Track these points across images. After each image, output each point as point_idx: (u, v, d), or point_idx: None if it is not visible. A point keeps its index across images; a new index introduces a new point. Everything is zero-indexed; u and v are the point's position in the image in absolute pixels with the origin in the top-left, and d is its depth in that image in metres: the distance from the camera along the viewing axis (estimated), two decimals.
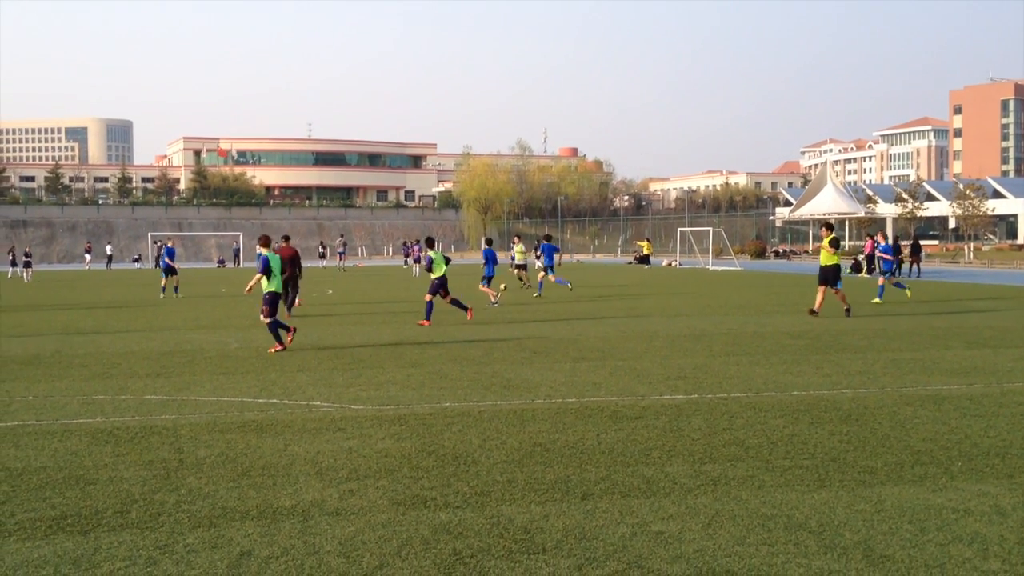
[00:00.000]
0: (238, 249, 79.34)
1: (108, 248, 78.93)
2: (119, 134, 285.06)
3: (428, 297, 21.22)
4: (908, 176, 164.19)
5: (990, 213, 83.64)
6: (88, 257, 78.25)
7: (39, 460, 8.49)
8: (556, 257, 33.81)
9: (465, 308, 21.52)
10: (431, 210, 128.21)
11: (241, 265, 75.89)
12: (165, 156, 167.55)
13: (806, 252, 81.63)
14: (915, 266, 44.59)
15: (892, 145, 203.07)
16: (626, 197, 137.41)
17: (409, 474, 7.88)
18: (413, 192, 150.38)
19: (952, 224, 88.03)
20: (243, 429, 9.76)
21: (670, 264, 64.26)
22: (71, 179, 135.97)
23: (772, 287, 35.94)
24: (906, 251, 44.22)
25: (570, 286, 32.54)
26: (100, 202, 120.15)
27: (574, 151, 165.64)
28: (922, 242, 77.39)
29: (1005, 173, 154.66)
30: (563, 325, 20.68)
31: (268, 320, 16.49)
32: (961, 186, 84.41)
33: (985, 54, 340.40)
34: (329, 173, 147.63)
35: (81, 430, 9.80)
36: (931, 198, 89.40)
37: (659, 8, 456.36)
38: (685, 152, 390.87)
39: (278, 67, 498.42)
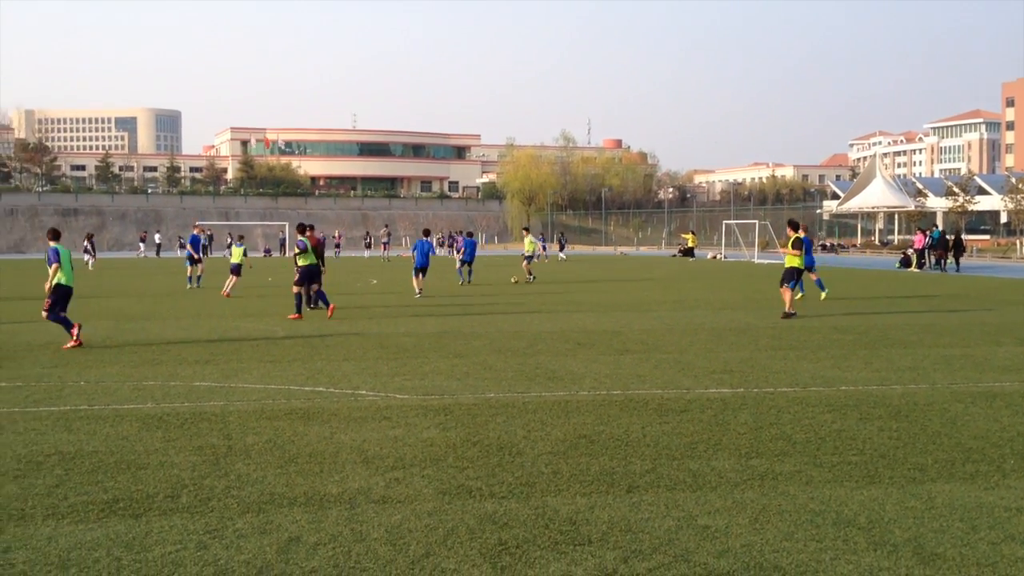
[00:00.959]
0: (284, 239, 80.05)
1: (157, 237, 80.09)
2: (168, 124, 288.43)
3: (295, 289, 20.45)
4: (959, 169, 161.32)
5: None
6: (142, 246, 79.15)
7: (91, 444, 8.63)
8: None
9: (328, 304, 20.62)
10: (475, 201, 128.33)
11: (287, 254, 76.51)
12: (213, 146, 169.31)
13: (854, 246, 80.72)
14: (952, 260, 43.77)
15: (943, 138, 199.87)
16: (670, 189, 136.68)
17: (454, 464, 7.92)
18: (457, 183, 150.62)
19: (1004, 219, 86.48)
20: (290, 416, 9.86)
21: (715, 257, 63.82)
22: (121, 168, 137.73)
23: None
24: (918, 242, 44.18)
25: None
26: (149, 191, 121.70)
27: (618, 143, 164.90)
28: (973, 237, 76.35)
29: None
30: (607, 317, 20.63)
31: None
32: (1013, 180, 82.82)
33: None
34: (374, 163, 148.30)
35: (132, 415, 9.95)
36: (982, 192, 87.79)
37: None
38: (731, 144, 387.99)
39: (324, 58, 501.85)
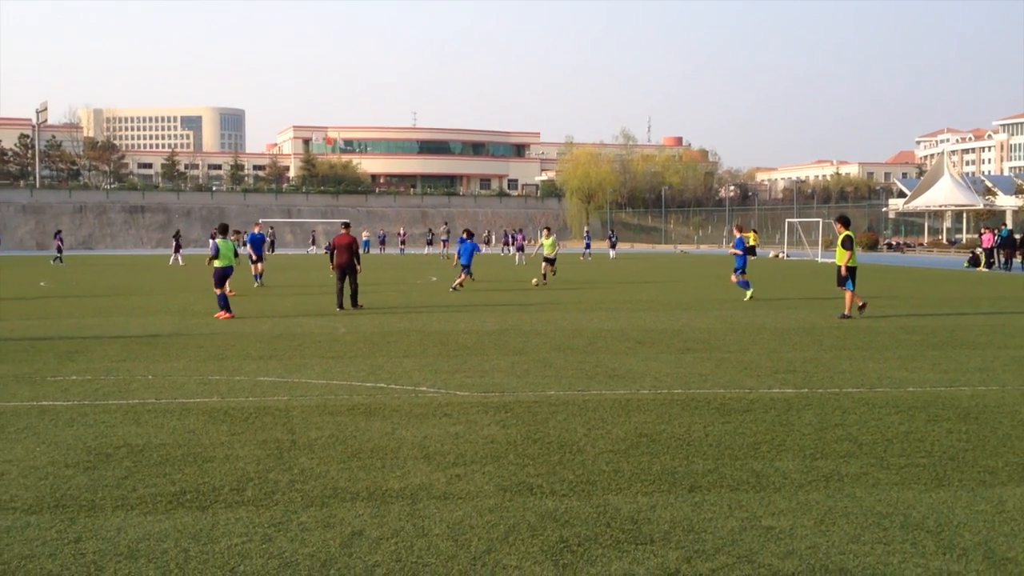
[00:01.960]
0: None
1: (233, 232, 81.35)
2: (232, 123, 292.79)
3: (218, 291, 20.37)
4: None
5: None
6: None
7: (159, 437, 8.80)
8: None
9: (228, 311, 19.94)
10: (534, 199, 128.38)
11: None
12: (275, 144, 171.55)
13: (921, 245, 79.21)
14: (1021, 260, 42.66)
15: (1013, 135, 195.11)
16: (732, 187, 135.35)
17: (515, 461, 7.92)
18: (516, 181, 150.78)
19: None
20: (352, 412, 9.94)
21: (777, 256, 63.08)
22: (186, 166, 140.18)
23: (885, 280, 34.93)
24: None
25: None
26: (214, 189, 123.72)
27: (679, 140, 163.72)
28: None
29: None
30: (667, 316, 20.49)
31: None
32: None
33: None
34: (433, 161, 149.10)
35: (198, 409, 10.12)
36: None
37: None
38: (794, 141, 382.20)
39: (384, 56, 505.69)
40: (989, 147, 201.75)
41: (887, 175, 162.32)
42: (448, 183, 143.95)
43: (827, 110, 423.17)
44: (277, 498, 6.87)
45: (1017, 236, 44.71)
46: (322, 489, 7.10)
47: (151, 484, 7.25)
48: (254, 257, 31.05)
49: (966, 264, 46.58)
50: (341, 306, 21.74)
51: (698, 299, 25.46)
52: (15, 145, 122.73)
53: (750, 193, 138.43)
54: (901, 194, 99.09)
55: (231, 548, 5.87)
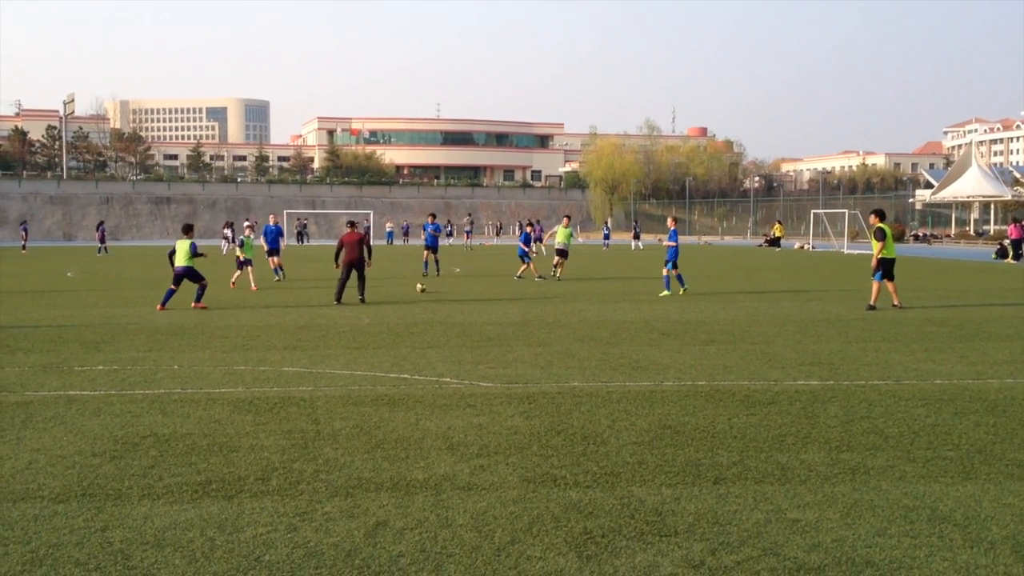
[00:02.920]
0: (368, 227, 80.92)
1: (246, 224, 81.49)
2: (256, 114, 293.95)
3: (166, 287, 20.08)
4: None
5: None
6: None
7: (185, 427, 8.85)
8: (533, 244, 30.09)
9: (163, 304, 19.93)
10: (557, 190, 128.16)
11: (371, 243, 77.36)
12: (300, 136, 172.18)
13: (948, 236, 78.50)
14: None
15: None
16: (757, 178, 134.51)
17: (538, 452, 7.92)
18: (540, 172, 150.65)
19: None
20: (376, 403, 9.97)
21: (803, 247, 62.70)
22: (211, 157, 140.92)
23: (912, 272, 34.64)
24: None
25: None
26: (239, 180, 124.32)
27: (703, 131, 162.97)
28: None
29: None
30: (691, 307, 20.42)
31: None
32: None
33: None
34: (457, 152, 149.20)
35: (223, 399, 10.18)
36: None
37: None
38: (820, 132, 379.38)
39: (407, 47, 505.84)
40: (1018, 137, 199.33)
41: (914, 166, 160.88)
42: (472, 174, 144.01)
43: (854, 100, 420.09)
44: (302, 488, 6.90)
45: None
46: (346, 479, 7.13)
47: (177, 473, 7.30)
48: (267, 249, 29.96)
49: (994, 256, 46.13)
50: (340, 300, 21.29)
51: (722, 290, 25.34)
52: (42, 136, 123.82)
53: (775, 184, 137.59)
54: (928, 185, 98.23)
55: (256, 537, 5.90)
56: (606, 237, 65.25)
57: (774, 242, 64.57)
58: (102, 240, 54.67)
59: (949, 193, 77.92)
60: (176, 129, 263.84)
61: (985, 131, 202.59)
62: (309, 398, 10.24)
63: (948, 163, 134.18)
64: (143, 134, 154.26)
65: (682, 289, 23.91)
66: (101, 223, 58.82)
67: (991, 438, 8.39)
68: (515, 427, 8.82)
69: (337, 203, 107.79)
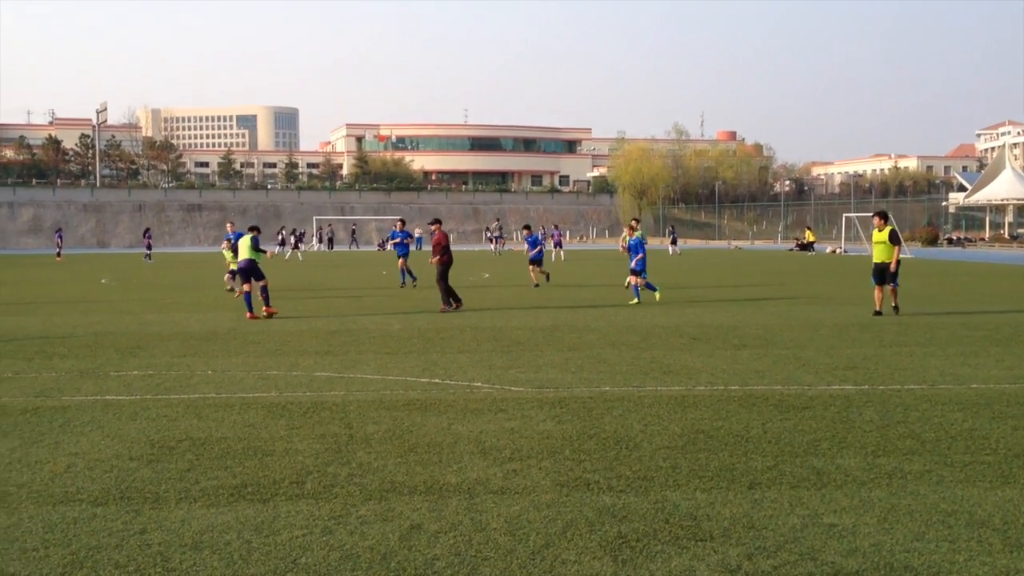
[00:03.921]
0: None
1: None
2: (286, 121, 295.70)
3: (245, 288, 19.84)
4: None
5: None
6: (288, 241, 66.22)
7: (220, 431, 8.92)
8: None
9: (251, 311, 19.45)
10: (585, 195, 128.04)
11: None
12: (329, 142, 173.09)
13: (982, 240, 77.65)
14: None
15: None
16: (787, 182, 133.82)
17: (571, 456, 7.91)
18: (568, 177, 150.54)
19: None
20: (408, 407, 10.00)
21: (834, 251, 62.23)
22: (242, 165, 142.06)
23: (946, 276, 34.34)
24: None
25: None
26: (269, 187, 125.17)
27: (732, 135, 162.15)
28: None
29: None
30: (722, 311, 20.32)
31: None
32: None
33: None
34: (485, 158, 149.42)
35: (257, 403, 10.25)
36: None
37: None
38: (851, 135, 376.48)
39: (436, 54, 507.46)
40: None
41: (947, 169, 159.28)
42: (500, 179, 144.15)
43: (885, 103, 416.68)
44: (336, 491, 6.94)
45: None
46: (380, 483, 7.15)
47: (213, 477, 7.36)
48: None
49: None
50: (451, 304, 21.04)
51: (754, 294, 25.20)
52: (76, 145, 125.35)
53: (806, 188, 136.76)
54: (961, 188, 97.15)
55: (292, 540, 5.94)
56: (673, 242, 62.38)
57: (806, 247, 64.14)
58: (149, 247, 54.83)
59: (983, 196, 77.08)
60: (207, 137, 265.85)
61: (1018, 133, 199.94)
62: (341, 402, 10.29)
63: (981, 166, 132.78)
64: (175, 142, 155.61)
65: (635, 300, 22.39)
66: (147, 230, 59.01)
67: None
68: (547, 431, 8.82)
69: (366, 209, 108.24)
